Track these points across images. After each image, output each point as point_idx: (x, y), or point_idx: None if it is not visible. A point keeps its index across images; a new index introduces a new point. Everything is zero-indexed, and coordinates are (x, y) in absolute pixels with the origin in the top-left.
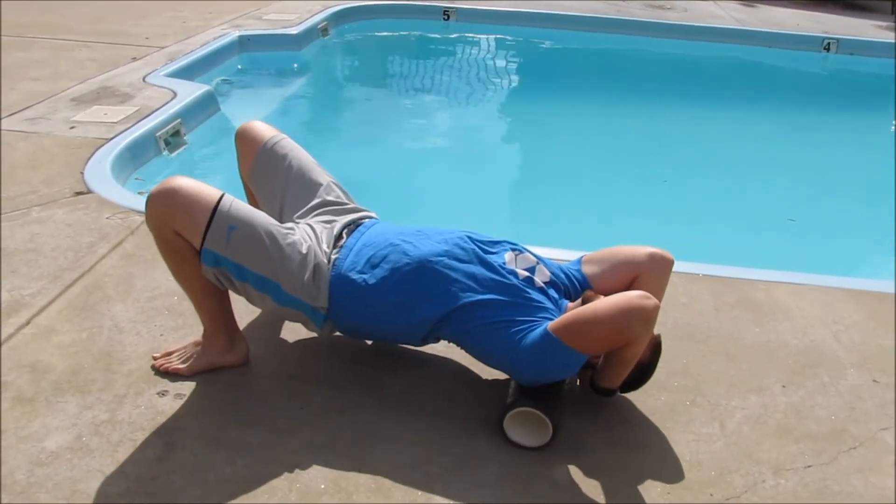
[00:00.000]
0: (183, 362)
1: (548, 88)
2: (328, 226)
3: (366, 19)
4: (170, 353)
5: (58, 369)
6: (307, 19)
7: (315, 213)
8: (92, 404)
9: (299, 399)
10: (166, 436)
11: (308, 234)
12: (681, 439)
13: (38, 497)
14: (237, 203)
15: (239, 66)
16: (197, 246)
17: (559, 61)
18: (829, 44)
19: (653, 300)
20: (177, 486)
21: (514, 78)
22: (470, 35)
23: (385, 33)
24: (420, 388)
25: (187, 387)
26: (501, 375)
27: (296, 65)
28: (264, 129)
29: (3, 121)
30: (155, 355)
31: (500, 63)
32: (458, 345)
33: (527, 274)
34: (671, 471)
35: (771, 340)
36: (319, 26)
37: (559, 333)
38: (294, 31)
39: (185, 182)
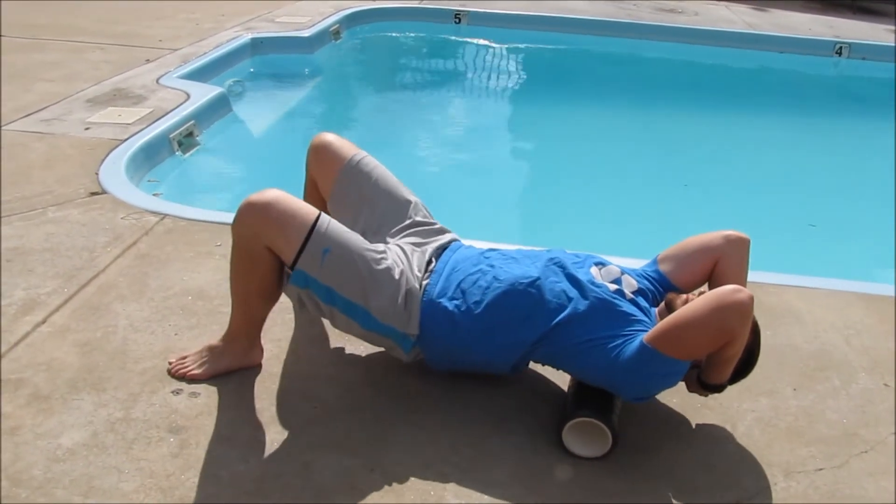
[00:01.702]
0: (199, 367)
1: (558, 92)
2: (418, 249)
3: (377, 22)
4: (184, 357)
5: (73, 367)
6: (319, 22)
7: (405, 233)
8: (107, 402)
9: (312, 398)
10: (180, 433)
11: (400, 258)
12: (692, 442)
13: (55, 493)
14: (333, 223)
15: (251, 69)
16: (288, 263)
17: (569, 65)
18: (840, 48)
19: (745, 292)
20: (191, 484)
21: (525, 81)
22: (481, 38)
23: (396, 36)
24: (432, 390)
25: (201, 385)
26: (517, 376)
27: (307, 67)
28: (345, 146)
29: (18, 121)
30: (170, 360)
31: (511, 67)
32: (552, 365)
33: (616, 286)
34: (682, 473)
35: (782, 344)
36: (331, 29)
37: (656, 344)
38: (306, 33)
39: (281, 196)
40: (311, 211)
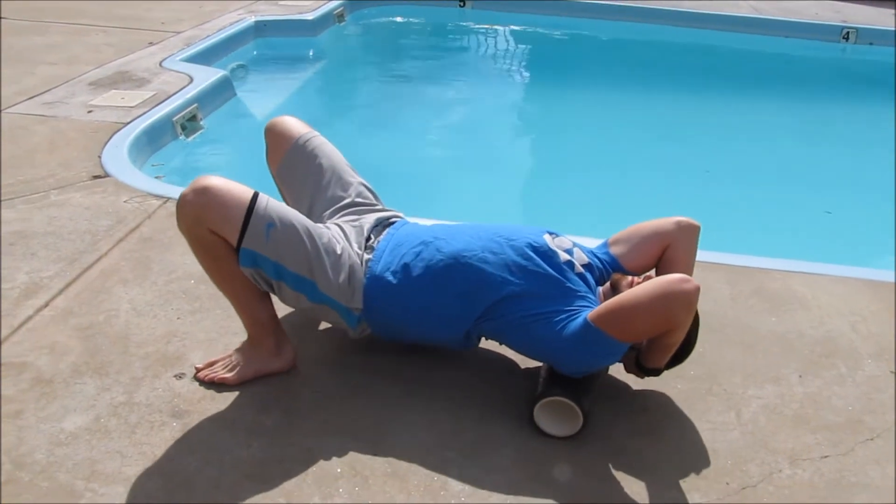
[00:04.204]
0: (228, 371)
1: (563, 77)
2: (356, 225)
3: (381, 5)
4: (213, 363)
5: (76, 351)
6: (323, 5)
7: (343, 213)
8: (110, 386)
9: (315, 383)
10: (183, 418)
11: (339, 235)
12: (697, 428)
13: (58, 477)
14: (272, 201)
15: (255, 52)
16: (234, 243)
17: (574, 49)
18: (847, 33)
19: (692, 283)
20: (193, 468)
21: (529, 66)
22: (485, 22)
23: (400, 20)
24: (435, 374)
25: None
26: (515, 362)
27: (311, 51)
28: (296, 126)
29: (21, 104)
30: (197, 366)
31: (516, 51)
32: (498, 341)
33: (568, 257)
34: (687, 459)
35: (788, 330)
36: (335, 12)
37: (599, 323)
38: (310, 16)
39: (216, 181)
40: (247, 190)
